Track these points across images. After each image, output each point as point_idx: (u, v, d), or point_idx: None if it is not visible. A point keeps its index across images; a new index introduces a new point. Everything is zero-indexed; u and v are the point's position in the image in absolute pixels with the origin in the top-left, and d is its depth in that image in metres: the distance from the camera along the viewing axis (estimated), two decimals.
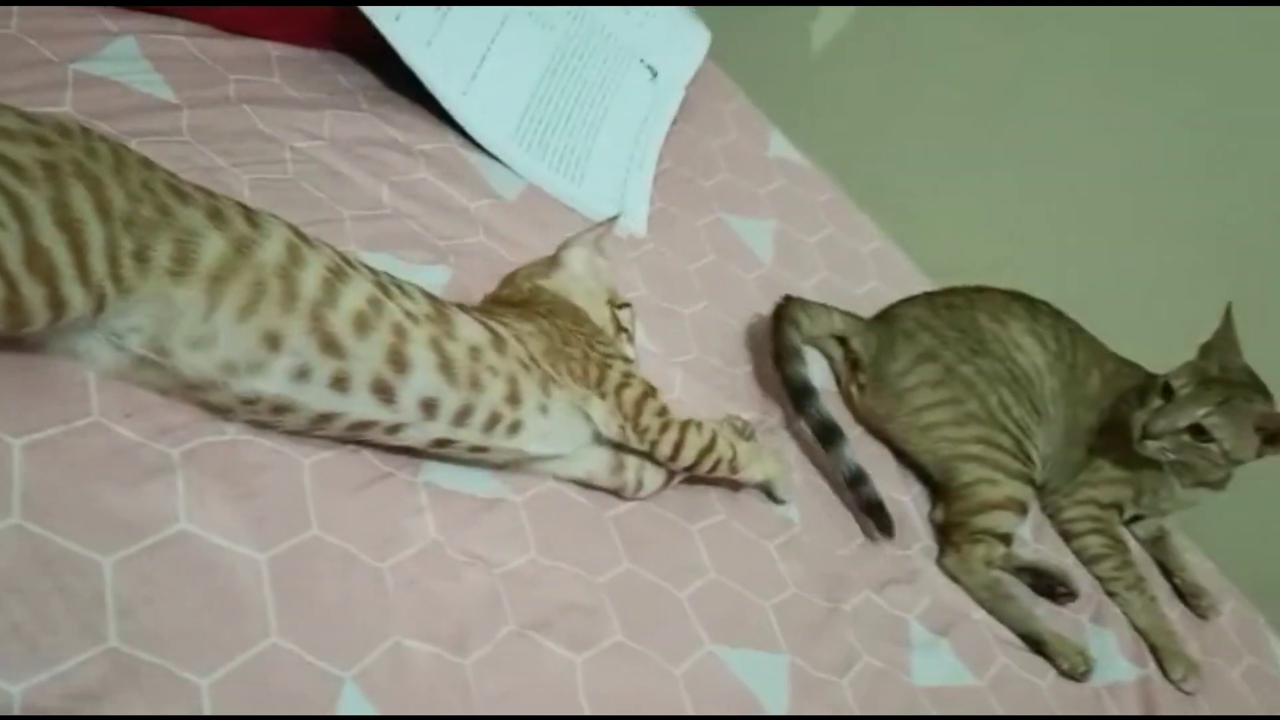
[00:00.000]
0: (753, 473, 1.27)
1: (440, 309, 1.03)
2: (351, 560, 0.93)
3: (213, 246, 0.88)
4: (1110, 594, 1.55)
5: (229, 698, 0.79)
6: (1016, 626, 1.39)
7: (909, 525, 1.46)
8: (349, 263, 0.99)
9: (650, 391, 1.16)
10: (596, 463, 1.16)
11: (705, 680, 1.07)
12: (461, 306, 1.09)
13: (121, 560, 0.81)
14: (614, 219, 1.33)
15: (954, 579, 1.41)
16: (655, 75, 1.84)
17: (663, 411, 1.16)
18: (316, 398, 0.94)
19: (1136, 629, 1.51)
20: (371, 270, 1.01)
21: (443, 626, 0.94)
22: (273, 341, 0.90)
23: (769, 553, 1.27)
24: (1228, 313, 1.49)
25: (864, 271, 1.89)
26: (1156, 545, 1.70)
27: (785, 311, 1.52)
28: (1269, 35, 1.91)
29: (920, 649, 1.28)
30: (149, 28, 1.36)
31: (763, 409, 1.47)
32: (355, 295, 0.95)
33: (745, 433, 1.35)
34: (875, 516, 1.38)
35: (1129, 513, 1.64)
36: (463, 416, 1.01)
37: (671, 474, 1.21)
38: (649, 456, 1.17)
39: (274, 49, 1.48)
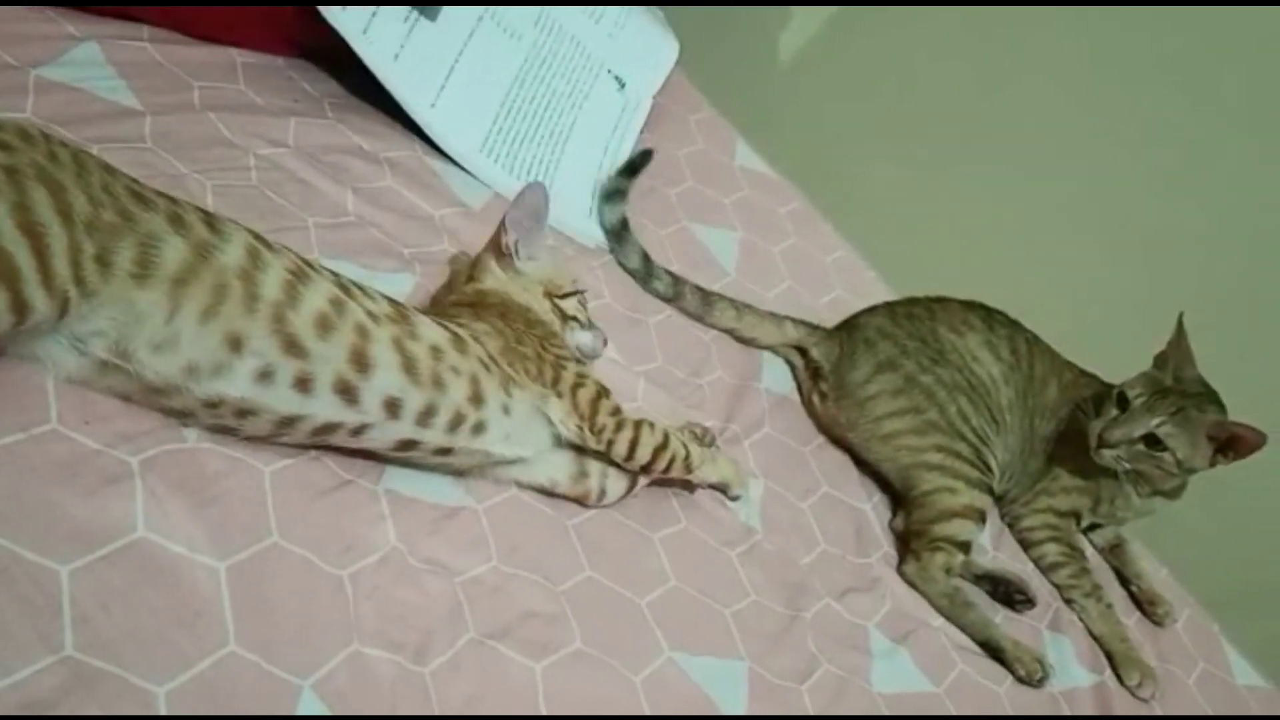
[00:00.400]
0: (706, 473, 1.28)
1: (401, 310, 1.04)
2: (311, 568, 0.93)
3: (174, 250, 0.88)
4: (1067, 601, 1.57)
5: (186, 706, 0.79)
6: (975, 634, 1.40)
7: (869, 534, 1.48)
8: (310, 265, 0.99)
9: (604, 392, 1.17)
10: (559, 470, 1.17)
11: (665, 687, 1.08)
12: (420, 309, 1.10)
13: (79, 568, 0.81)
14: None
15: (914, 587, 1.43)
16: (623, 85, 1.85)
17: (616, 411, 1.17)
18: (280, 399, 0.94)
19: (1093, 636, 1.53)
20: (333, 273, 1.02)
21: (403, 634, 0.95)
22: (235, 343, 0.90)
23: (730, 560, 1.28)
24: (1180, 323, 1.52)
25: (827, 281, 1.90)
26: (1114, 553, 1.73)
27: None
28: (1233, 47, 1.94)
29: (879, 656, 1.30)
30: (112, 33, 1.35)
31: (725, 418, 1.48)
32: (317, 296, 0.95)
33: (705, 440, 1.36)
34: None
35: (1086, 521, 1.66)
36: (426, 416, 1.01)
37: (634, 482, 1.22)
38: (607, 458, 1.18)
39: (239, 55, 1.48)
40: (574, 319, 1.29)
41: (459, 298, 1.25)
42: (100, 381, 0.91)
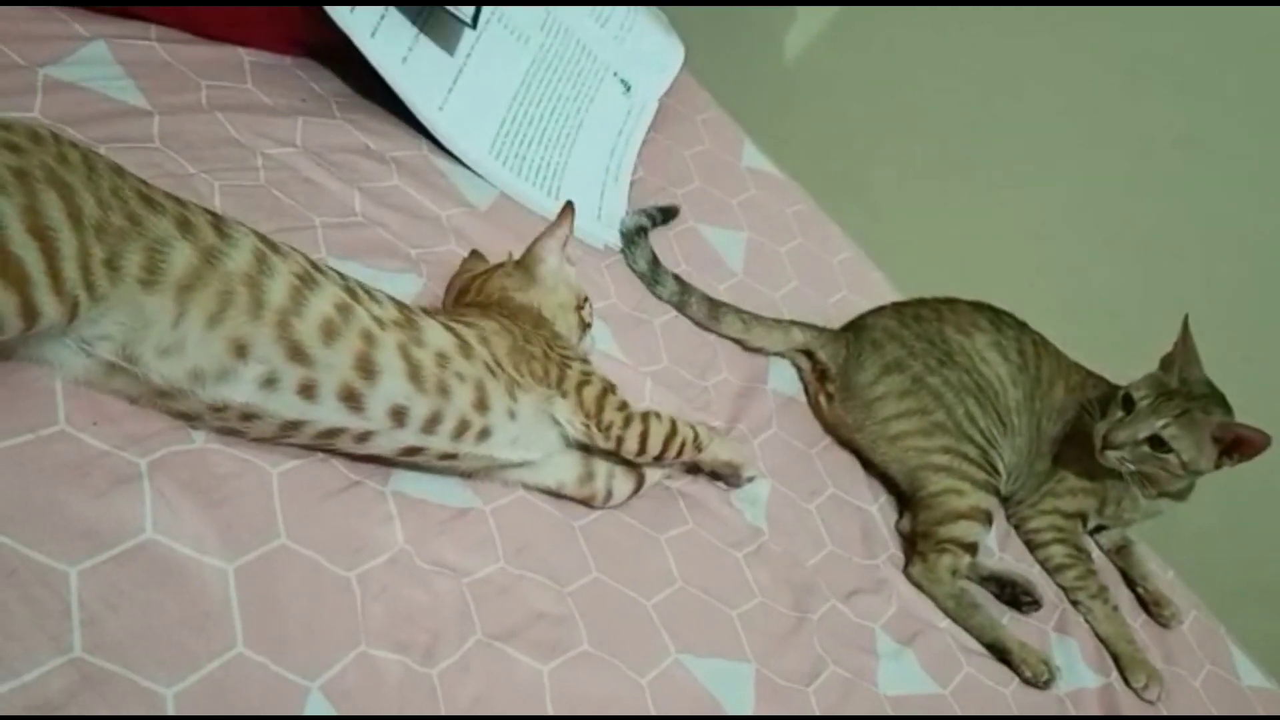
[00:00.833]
0: (717, 450, 1.28)
1: (408, 315, 1.03)
2: (319, 569, 0.93)
3: (181, 256, 0.88)
4: (1074, 603, 1.57)
5: (195, 707, 0.79)
6: (981, 635, 1.40)
7: (876, 535, 1.48)
8: (318, 269, 0.99)
9: (610, 388, 1.17)
10: (566, 472, 1.17)
11: (672, 689, 1.08)
12: (427, 310, 1.09)
13: (88, 569, 0.81)
14: (571, 208, 1.29)
15: (920, 588, 1.43)
16: (629, 89, 1.85)
17: (623, 406, 1.17)
18: (285, 405, 0.94)
19: (1099, 638, 1.53)
20: (341, 276, 1.01)
21: (411, 635, 0.95)
22: (240, 349, 0.90)
23: (737, 562, 1.28)
24: (1185, 325, 1.52)
25: (834, 282, 1.90)
26: (1120, 555, 1.73)
27: None
28: (1235, 52, 1.94)
29: (886, 658, 1.30)
30: (121, 32, 1.35)
31: (732, 419, 1.48)
32: (323, 302, 0.95)
33: None
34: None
35: (1093, 522, 1.66)
36: (432, 424, 1.01)
37: (640, 483, 1.22)
38: (616, 456, 1.17)
39: (246, 55, 1.48)
40: (588, 325, 1.30)
41: (481, 298, 1.24)
42: (107, 384, 0.91)
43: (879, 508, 1.53)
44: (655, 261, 1.60)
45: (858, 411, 1.55)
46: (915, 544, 1.47)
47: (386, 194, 1.41)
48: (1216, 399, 1.49)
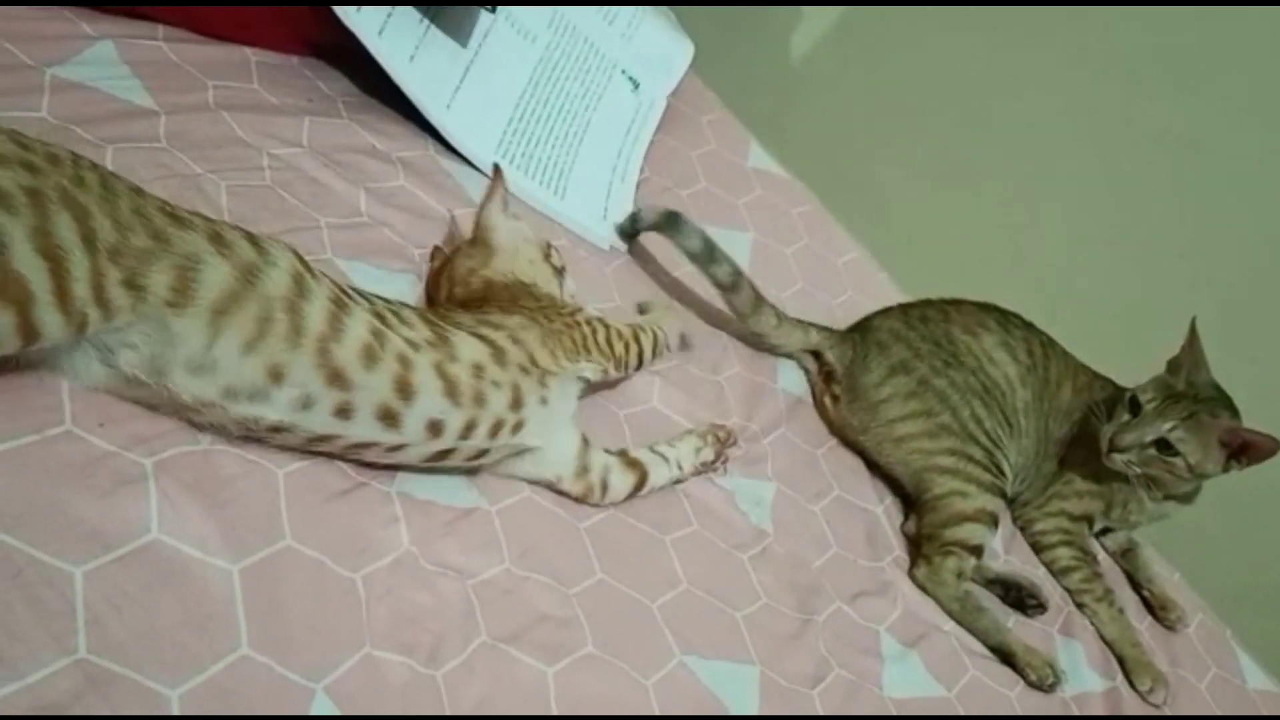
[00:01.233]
0: (670, 330, 1.40)
1: (439, 331, 1.03)
2: (324, 570, 0.93)
3: (215, 272, 0.87)
4: (1079, 606, 1.56)
5: (199, 709, 0.79)
6: (986, 638, 1.40)
7: (881, 537, 1.47)
8: (345, 292, 0.98)
9: (604, 324, 1.23)
10: (564, 466, 1.17)
11: (677, 691, 1.08)
12: (446, 314, 1.09)
13: (93, 570, 0.81)
14: (499, 170, 1.32)
15: (925, 590, 1.42)
16: (637, 86, 1.85)
17: (620, 334, 1.25)
18: (319, 423, 0.94)
19: (1105, 640, 1.53)
20: (365, 297, 1.01)
21: (416, 637, 0.95)
22: (277, 375, 0.90)
23: (741, 564, 1.28)
24: (1193, 327, 1.51)
25: (840, 283, 1.90)
26: (1126, 557, 1.72)
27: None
28: (1242, 52, 1.94)
29: (891, 660, 1.29)
30: (127, 32, 1.35)
31: (742, 417, 1.48)
32: (359, 326, 0.95)
33: (727, 441, 1.36)
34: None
35: (1099, 525, 1.66)
36: (468, 430, 1.02)
37: (641, 482, 1.22)
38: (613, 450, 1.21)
39: (253, 54, 1.48)
40: (563, 269, 1.32)
41: (465, 293, 1.23)
42: (127, 393, 0.90)
43: (884, 510, 1.53)
44: (708, 240, 1.54)
45: (863, 413, 1.55)
46: (920, 546, 1.47)
47: (392, 194, 1.41)
48: (1224, 402, 1.49)
